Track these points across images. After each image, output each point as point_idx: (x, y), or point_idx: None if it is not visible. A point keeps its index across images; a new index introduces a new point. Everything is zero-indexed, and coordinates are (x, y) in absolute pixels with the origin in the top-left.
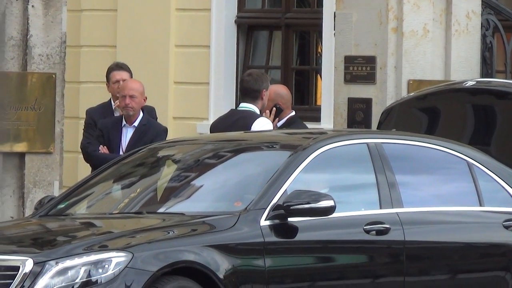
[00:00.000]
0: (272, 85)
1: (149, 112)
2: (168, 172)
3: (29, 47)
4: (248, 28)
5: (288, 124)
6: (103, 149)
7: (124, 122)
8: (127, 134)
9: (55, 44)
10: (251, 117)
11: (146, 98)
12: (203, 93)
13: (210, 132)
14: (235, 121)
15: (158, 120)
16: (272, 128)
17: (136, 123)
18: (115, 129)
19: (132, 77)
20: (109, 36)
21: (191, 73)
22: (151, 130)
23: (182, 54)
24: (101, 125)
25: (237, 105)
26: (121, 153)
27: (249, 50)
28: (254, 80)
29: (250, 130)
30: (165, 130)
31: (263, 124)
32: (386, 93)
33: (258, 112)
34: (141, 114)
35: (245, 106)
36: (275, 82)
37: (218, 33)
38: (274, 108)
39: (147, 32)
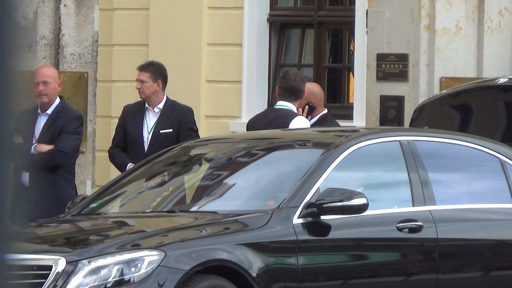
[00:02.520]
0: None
1: (184, 113)
2: (200, 170)
3: (61, 46)
4: (280, 26)
5: (320, 122)
6: (19, 139)
7: (39, 110)
8: (41, 122)
9: (87, 43)
10: (289, 115)
11: (61, 84)
12: (236, 92)
13: (247, 130)
14: (272, 119)
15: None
16: (309, 126)
17: (49, 111)
18: (32, 117)
19: (156, 77)
20: (141, 34)
21: (223, 72)
22: (61, 117)
23: (214, 53)
24: (20, 115)
25: (269, 103)
26: (34, 141)
27: (281, 48)
28: (300, 80)
29: (287, 128)
30: (76, 117)
31: (301, 122)
32: (418, 90)
33: (296, 111)
34: (57, 101)
35: (283, 104)
36: (307, 80)
37: (251, 31)
38: (307, 106)
39: (179, 30)
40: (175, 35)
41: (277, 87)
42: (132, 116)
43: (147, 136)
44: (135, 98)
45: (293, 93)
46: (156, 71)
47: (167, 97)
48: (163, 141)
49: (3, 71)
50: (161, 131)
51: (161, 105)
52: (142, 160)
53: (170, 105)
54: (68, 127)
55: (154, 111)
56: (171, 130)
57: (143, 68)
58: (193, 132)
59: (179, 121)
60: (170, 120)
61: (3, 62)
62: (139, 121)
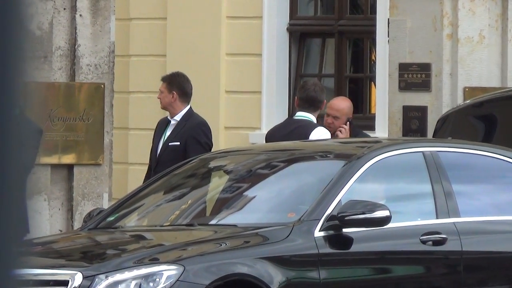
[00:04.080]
0: (339, 98)
1: (194, 126)
2: (219, 183)
3: (77, 57)
4: (300, 36)
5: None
6: None
7: None
8: None
9: (103, 53)
10: (309, 126)
11: None
12: (255, 102)
13: (266, 141)
14: (292, 130)
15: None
16: (329, 137)
17: None
18: None
19: (171, 88)
20: (158, 45)
21: (242, 82)
22: None
23: (233, 63)
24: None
25: (289, 114)
26: None
27: (301, 58)
28: (320, 90)
29: (308, 139)
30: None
31: (321, 133)
32: (441, 100)
33: (315, 121)
34: None
35: (303, 115)
36: (328, 90)
37: (270, 41)
38: (348, 123)
39: (198, 40)
40: (193, 45)
41: (296, 97)
42: (159, 127)
43: (160, 147)
44: (152, 109)
45: (312, 104)
46: (171, 82)
47: (189, 109)
48: (170, 154)
49: (17, 83)
50: (169, 144)
51: (178, 117)
52: (153, 171)
53: (187, 117)
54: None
55: (172, 123)
56: (178, 143)
57: (162, 78)
58: (199, 146)
59: (188, 134)
60: (181, 133)
61: (17, 73)
62: (161, 131)
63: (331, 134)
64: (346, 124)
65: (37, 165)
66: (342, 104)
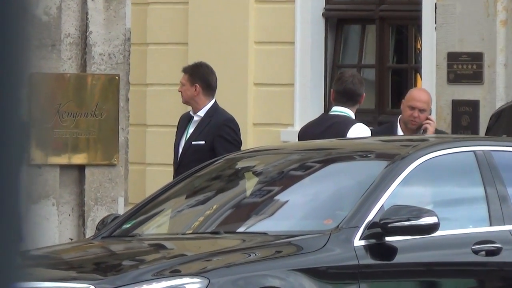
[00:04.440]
0: (418, 89)
1: (220, 124)
2: (248, 186)
3: (89, 46)
4: (337, 22)
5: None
6: None
7: None
8: None
9: (118, 42)
10: (347, 122)
11: None
12: (287, 96)
13: (299, 139)
14: (328, 127)
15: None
16: (370, 134)
17: None
18: None
19: (193, 80)
20: (179, 32)
21: (273, 74)
22: None
23: (263, 52)
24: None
25: (325, 108)
26: None
27: (339, 47)
28: (359, 83)
29: (345, 137)
30: None
31: (360, 130)
32: (495, 94)
33: (353, 117)
34: None
35: (340, 110)
36: (368, 83)
37: (304, 28)
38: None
39: (223, 27)
40: (218, 33)
41: (332, 90)
42: (181, 124)
43: (182, 146)
44: (172, 103)
45: (350, 97)
46: (194, 74)
47: (213, 104)
48: (193, 154)
49: (22, 74)
50: (193, 142)
51: (202, 113)
52: (175, 172)
53: (211, 113)
54: None
55: (195, 119)
56: (203, 142)
57: (184, 69)
58: (229, 145)
59: (213, 133)
60: (205, 131)
61: (22, 63)
62: (183, 128)
63: (414, 129)
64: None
65: (43, 166)
66: (426, 95)
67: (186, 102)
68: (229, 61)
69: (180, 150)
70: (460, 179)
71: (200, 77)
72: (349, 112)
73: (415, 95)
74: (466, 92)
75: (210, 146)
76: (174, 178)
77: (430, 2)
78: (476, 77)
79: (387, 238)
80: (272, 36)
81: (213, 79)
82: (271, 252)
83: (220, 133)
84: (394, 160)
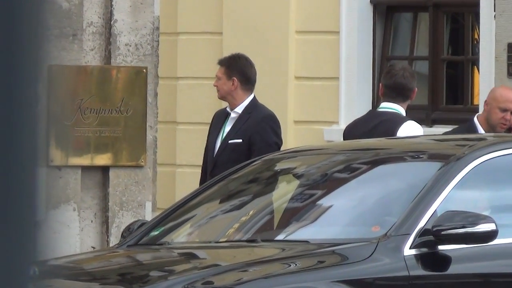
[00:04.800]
0: (504, 88)
1: (260, 121)
2: (288, 189)
3: (113, 35)
4: (387, 10)
5: None
6: None
7: None
8: None
9: (145, 31)
10: (397, 120)
11: None
12: (332, 91)
13: (344, 139)
14: (376, 125)
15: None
16: (422, 133)
17: None
18: None
19: (230, 73)
20: (213, 20)
21: (316, 66)
22: None
23: (305, 43)
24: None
25: (374, 105)
26: None
27: (388, 37)
28: (410, 76)
29: (395, 136)
30: None
31: (412, 128)
32: None
33: (404, 114)
34: None
35: (389, 106)
36: (421, 76)
37: (350, 16)
38: None
39: (261, 15)
40: (255, 21)
41: (380, 84)
42: (216, 121)
43: (218, 145)
44: (205, 99)
45: (400, 92)
46: (231, 66)
47: (252, 99)
48: (231, 153)
49: (40, 66)
50: (230, 141)
51: (239, 109)
52: (209, 174)
53: (250, 109)
54: None
55: (232, 116)
56: (240, 140)
57: (220, 62)
58: (266, 144)
59: (252, 130)
60: (243, 128)
61: (40, 55)
62: (218, 126)
63: (507, 130)
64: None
65: (63, 167)
66: None
67: (222, 97)
68: (268, 53)
69: (216, 150)
70: None
71: (238, 70)
72: (399, 109)
73: (504, 95)
74: None
75: (249, 145)
76: (204, 181)
77: None
78: None
79: (440, 247)
80: (315, 25)
81: (252, 72)
82: (313, 262)
83: (259, 130)
84: (448, 161)
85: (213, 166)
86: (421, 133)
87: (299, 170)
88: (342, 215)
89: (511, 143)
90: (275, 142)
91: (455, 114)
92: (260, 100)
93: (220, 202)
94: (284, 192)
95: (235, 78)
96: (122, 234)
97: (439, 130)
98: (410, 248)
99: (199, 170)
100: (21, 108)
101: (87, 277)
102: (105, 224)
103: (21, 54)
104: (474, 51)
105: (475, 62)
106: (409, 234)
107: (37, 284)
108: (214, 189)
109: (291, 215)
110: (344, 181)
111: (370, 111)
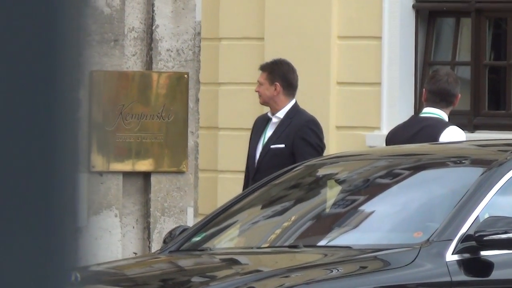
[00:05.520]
0: None
1: (302, 125)
2: (330, 195)
3: (155, 41)
4: (429, 15)
5: None
6: None
7: None
8: None
9: (187, 36)
10: (440, 125)
11: None
12: (374, 96)
13: (386, 144)
14: (419, 130)
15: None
16: (465, 139)
17: None
18: None
19: (273, 79)
20: (255, 26)
21: (358, 72)
22: None
23: (346, 48)
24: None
25: (416, 110)
26: None
27: (430, 42)
28: (454, 82)
29: (437, 141)
30: None
31: (454, 134)
32: None
33: (447, 120)
34: None
35: (432, 111)
36: (463, 82)
37: (392, 21)
38: None
39: (303, 20)
40: (297, 26)
41: (424, 90)
42: (257, 127)
43: (260, 151)
44: (247, 104)
45: (444, 98)
46: (273, 71)
47: (294, 104)
48: (272, 159)
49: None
50: (271, 146)
51: (281, 114)
52: (251, 180)
53: (292, 114)
54: None
55: (273, 121)
56: (283, 145)
57: (261, 67)
58: (310, 148)
59: (294, 135)
60: (285, 133)
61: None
62: (260, 132)
63: None
64: None
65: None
66: None
67: (264, 102)
68: (310, 58)
69: (257, 156)
70: None
71: (281, 75)
72: (442, 114)
73: None
74: None
75: (291, 149)
76: (248, 186)
77: None
78: None
79: (483, 253)
80: (357, 30)
81: (294, 77)
82: (355, 268)
83: (301, 135)
84: (491, 167)
85: (255, 171)
86: (464, 139)
87: (341, 176)
88: (384, 220)
89: None
90: (318, 145)
91: (497, 120)
92: (302, 105)
93: (262, 208)
94: (326, 197)
95: (277, 83)
96: (163, 240)
97: (481, 135)
98: (452, 254)
99: (241, 176)
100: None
101: (128, 283)
102: (147, 230)
103: (62, 60)
104: None
105: None
106: (451, 240)
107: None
108: (256, 195)
109: (333, 221)
110: (386, 186)
111: (412, 116)
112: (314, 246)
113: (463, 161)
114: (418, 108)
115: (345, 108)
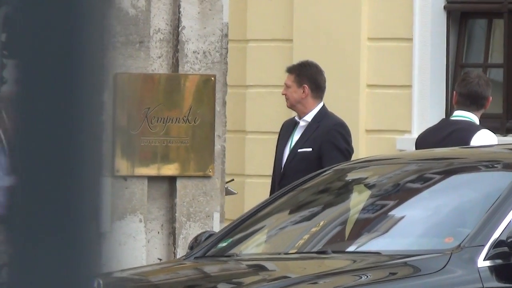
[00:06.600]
0: None
1: (330, 129)
2: (359, 200)
3: (181, 43)
4: (461, 16)
5: None
6: None
7: None
8: None
9: (214, 38)
10: (471, 129)
11: None
12: (404, 99)
13: (417, 148)
14: (449, 134)
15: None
16: (497, 142)
17: None
18: None
19: (301, 81)
20: (283, 27)
21: (388, 74)
22: None
23: (377, 50)
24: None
25: (447, 113)
26: None
27: (462, 44)
28: (485, 84)
29: (469, 145)
30: None
31: (486, 137)
32: None
33: (478, 123)
34: None
35: (463, 115)
36: (495, 84)
37: (423, 22)
38: None
39: (332, 22)
40: (326, 28)
41: (454, 92)
42: (285, 130)
43: (287, 155)
44: (275, 108)
45: (475, 101)
46: (302, 73)
47: (322, 107)
48: (300, 163)
49: (106, 74)
50: (299, 150)
51: (309, 117)
52: (278, 185)
53: (320, 117)
54: None
55: (301, 124)
56: (310, 149)
57: (289, 69)
58: (338, 152)
59: (322, 139)
60: (313, 136)
61: (106, 62)
62: (287, 136)
63: None
64: None
65: (129, 177)
66: None
67: (291, 106)
68: (339, 60)
69: (284, 160)
70: None
71: (309, 77)
72: (473, 117)
73: None
74: None
75: (318, 153)
76: (275, 190)
77: None
78: None
79: None
80: (387, 31)
81: (323, 79)
82: (385, 274)
83: (330, 139)
84: None
85: (282, 176)
86: (496, 142)
87: (371, 180)
88: (415, 226)
89: None
90: (346, 149)
91: None
92: (331, 108)
93: (290, 213)
94: (355, 202)
95: (306, 86)
96: (189, 245)
97: None
98: (484, 260)
99: (268, 180)
100: (87, 117)
101: None
102: (172, 235)
103: (87, 62)
104: None
105: None
106: (483, 246)
107: None
108: (284, 200)
109: (363, 226)
110: (417, 191)
111: (443, 119)
112: (343, 252)
113: (495, 165)
114: (449, 111)
115: (375, 111)
